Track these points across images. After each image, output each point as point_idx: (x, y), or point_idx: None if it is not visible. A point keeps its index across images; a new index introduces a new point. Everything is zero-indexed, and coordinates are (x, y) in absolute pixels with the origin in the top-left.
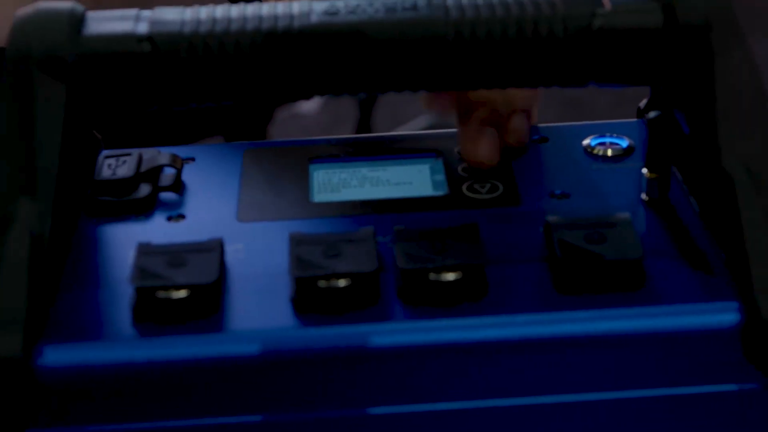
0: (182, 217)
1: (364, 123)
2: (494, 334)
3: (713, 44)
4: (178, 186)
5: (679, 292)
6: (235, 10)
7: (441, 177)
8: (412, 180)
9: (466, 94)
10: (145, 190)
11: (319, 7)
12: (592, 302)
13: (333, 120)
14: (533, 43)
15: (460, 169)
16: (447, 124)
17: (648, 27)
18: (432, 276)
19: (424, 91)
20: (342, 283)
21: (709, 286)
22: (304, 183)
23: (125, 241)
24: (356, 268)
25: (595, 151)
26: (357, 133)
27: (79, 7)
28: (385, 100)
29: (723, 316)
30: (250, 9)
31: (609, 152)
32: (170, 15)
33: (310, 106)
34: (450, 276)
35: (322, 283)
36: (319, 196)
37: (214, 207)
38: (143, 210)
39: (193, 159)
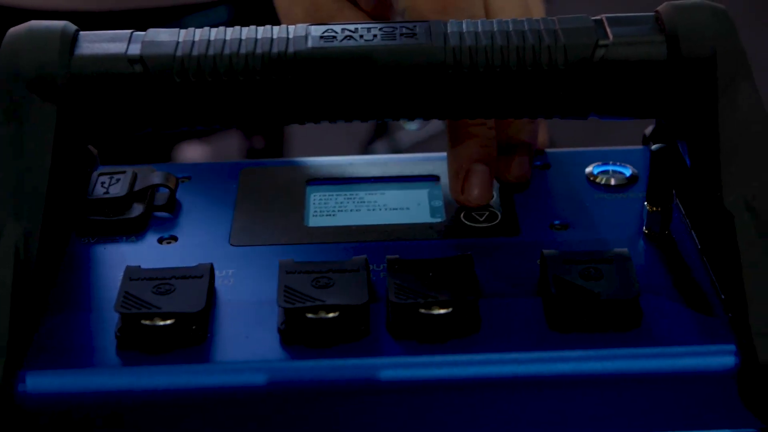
0: (174, 239)
1: (381, 126)
2: (484, 372)
3: (718, 78)
4: (172, 206)
5: (675, 333)
6: (230, 33)
7: (439, 203)
8: (410, 205)
9: (454, 124)
10: (137, 209)
11: (315, 32)
12: (585, 341)
13: (351, 124)
14: (533, 73)
15: None
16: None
17: (652, 59)
18: (423, 310)
19: (421, 117)
20: (331, 315)
21: (706, 327)
22: (299, 206)
23: (115, 263)
24: (346, 301)
25: (598, 180)
26: (376, 129)
27: (71, 27)
28: None
29: (719, 359)
30: (245, 32)
31: (612, 181)
32: (163, 36)
33: None
34: (441, 311)
35: (310, 315)
36: (314, 220)
37: (207, 229)
38: (135, 230)
39: (189, 177)
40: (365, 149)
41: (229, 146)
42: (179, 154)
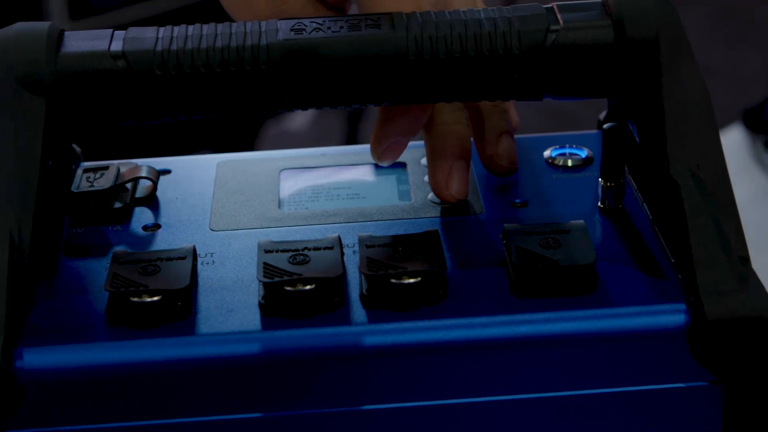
0: (158, 226)
1: (351, 138)
2: (453, 336)
3: (661, 58)
4: (154, 197)
5: (629, 296)
6: (206, 29)
7: (406, 187)
8: (379, 190)
9: (434, 124)
10: (122, 201)
11: (285, 25)
12: (546, 305)
13: (320, 136)
14: (490, 58)
15: (424, 179)
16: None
17: (599, 42)
18: (394, 281)
19: (387, 103)
20: (308, 287)
21: (658, 289)
22: (274, 193)
23: (102, 249)
24: (321, 274)
25: (556, 162)
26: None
27: (56, 26)
28: (374, 115)
29: (671, 317)
30: (220, 27)
31: (569, 162)
32: (144, 33)
33: (298, 122)
34: (411, 280)
35: (288, 288)
36: (289, 205)
37: (188, 217)
38: (120, 220)
39: (168, 171)
40: None
41: None
42: None
